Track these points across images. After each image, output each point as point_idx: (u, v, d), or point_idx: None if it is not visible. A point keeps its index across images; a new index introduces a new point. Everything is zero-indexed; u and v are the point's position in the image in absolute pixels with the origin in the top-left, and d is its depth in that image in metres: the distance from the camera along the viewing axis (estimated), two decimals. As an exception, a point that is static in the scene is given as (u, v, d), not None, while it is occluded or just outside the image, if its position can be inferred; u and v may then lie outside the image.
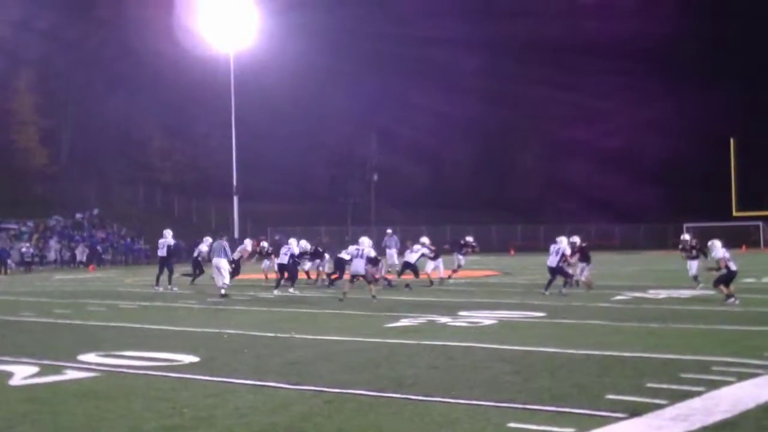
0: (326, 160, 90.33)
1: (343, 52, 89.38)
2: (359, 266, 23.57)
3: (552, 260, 24.23)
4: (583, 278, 25.67)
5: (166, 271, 29.52)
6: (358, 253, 23.67)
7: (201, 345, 14.09)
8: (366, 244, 23.94)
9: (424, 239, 30.32)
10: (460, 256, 31.36)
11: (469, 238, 32.31)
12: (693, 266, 25.54)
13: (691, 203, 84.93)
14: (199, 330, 16.64)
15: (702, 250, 24.74)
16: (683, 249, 26.03)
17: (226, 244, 27.40)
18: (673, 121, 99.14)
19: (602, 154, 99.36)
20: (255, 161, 77.08)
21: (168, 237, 29.95)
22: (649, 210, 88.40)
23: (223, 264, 26.37)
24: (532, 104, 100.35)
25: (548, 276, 24.34)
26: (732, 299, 20.11)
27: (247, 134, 70.38)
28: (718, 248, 20.67)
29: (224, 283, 25.82)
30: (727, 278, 20.41)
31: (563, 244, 24.51)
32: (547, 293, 23.59)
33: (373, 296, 23.01)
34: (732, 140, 78.24)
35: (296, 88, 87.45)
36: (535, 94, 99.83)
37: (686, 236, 27.09)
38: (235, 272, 29.40)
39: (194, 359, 12.45)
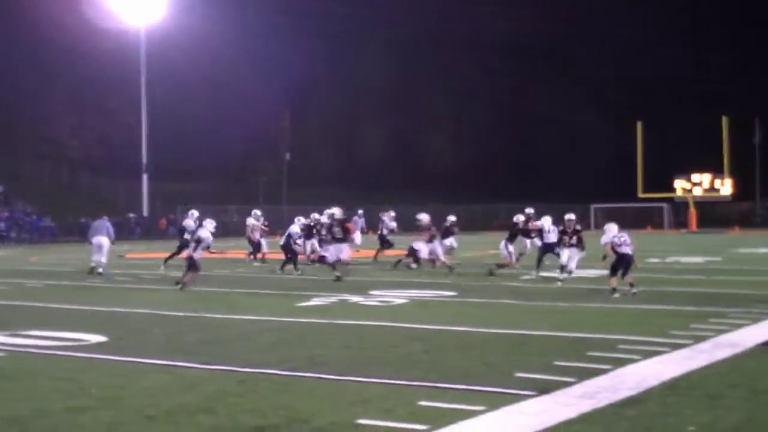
0: (239, 139, 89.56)
1: (258, 30, 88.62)
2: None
3: (551, 237, 23.33)
4: (440, 257, 25.82)
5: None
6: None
7: (109, 324, 13.87)
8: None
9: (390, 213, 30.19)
10: (452, 239, 29.50)
11: (452, 218, 30.16)
12: (568, 255, 22.03)
13: (597, 185, 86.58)
14: (107, 309, 16.37)
15: (581, 239, 22.06)
16: (564, 233, 22.35)
17: (108, 224, 27.23)
18: (579, 103, 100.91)
19: (509, 136, 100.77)
20: (166, 138, 76.07)
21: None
22: (555, 191, 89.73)
23: (105, 242, 26.21)
24: (446, 83, 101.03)
25: (538, 255, 23.97)
26: (615, 294, 17.99)
27: (158, 111, 69.37)
28: (608, 232, 18.88)
29: (101, 262, 25.71)
30: (615, 265, 18.48)
31: (548, 223, 23.86)
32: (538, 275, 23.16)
33: (337, 277, 22.73)
34: (639, 123, 79.79)
35: (209, 65, 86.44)
36: (450, 73, 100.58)
37: (571, 216, 22.75)
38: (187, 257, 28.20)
39: (102, 339, 12.25)
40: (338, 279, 22.34)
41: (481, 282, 22.07)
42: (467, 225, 76.78)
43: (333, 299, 17.72)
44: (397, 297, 18.13)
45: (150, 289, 20.92)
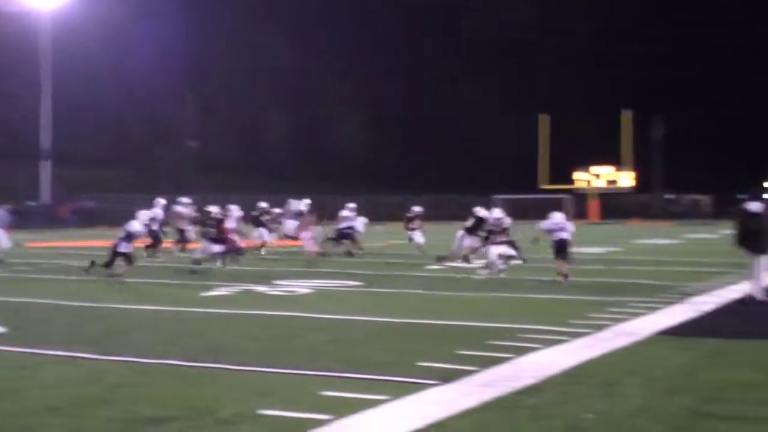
0: (142, 126, 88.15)
1: (161, 16, 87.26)
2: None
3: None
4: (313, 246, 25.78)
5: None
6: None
7: (7, 315, 13.54)
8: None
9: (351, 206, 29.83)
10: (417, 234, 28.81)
11: (417, 209, 29.31)
12: (489, 248, 21.29)
13: (501, 176, 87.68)
14: (4, 299, 15.97)
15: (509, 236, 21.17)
16: (491, 231, 21.40)
17: (2, 211, 26.63)
18: (483, 97, 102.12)
19: (414, 128, 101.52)
20: (69, 124, 74.35)
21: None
22: (459, 182, 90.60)
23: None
24: (352, 73, 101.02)
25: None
26: (565, 279, 18.87)
27: (61, 96, 67.81)
28: (550, 219, 19.52)
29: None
30: (556, 251, 19.22)
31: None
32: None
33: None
34: (542, 116, 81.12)
35: (113, 51, 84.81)
36: (356, 66, 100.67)
37: (498, 213, 21.65)
38: (156, 242, 27.46)
39: (0, 330, 11.96)
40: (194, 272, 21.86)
41: (387, 272, 22.16)
42: (373, 215, 77.26)
43: (237, 289, 17.61)
44: (302, 287, 18.12)
45: (51, 279, 20.47)
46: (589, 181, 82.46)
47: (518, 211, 20.72)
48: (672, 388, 8.38)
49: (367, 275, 21.13)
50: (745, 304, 15.25)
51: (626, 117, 79.18)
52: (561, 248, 19.26)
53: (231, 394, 7.99)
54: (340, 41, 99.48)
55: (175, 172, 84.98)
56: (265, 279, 19.74)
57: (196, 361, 9.56)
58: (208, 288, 17.80)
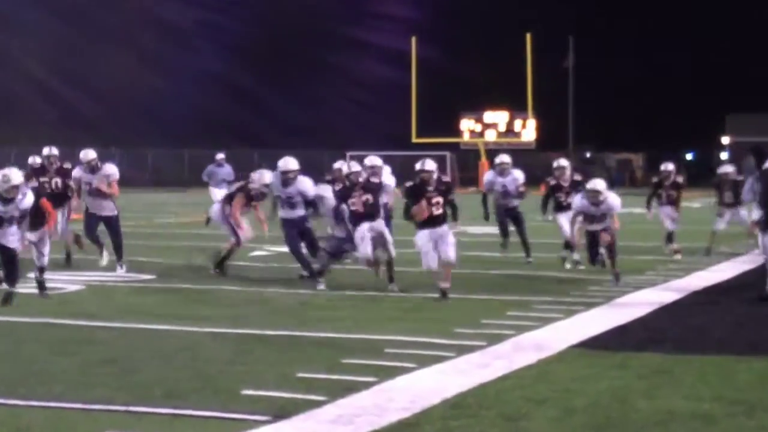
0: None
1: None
2: None
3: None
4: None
5: None
6: None
7: None
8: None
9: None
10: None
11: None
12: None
13: (356, 125, 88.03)
14: None
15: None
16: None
17: None
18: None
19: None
20: None
21: None
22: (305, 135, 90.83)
23: None
24: None
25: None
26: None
27: None
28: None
29: None
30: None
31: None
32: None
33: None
34: (412, 38, 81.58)
35: None
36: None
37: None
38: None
39: None
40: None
41: (188, 260, 21.97)
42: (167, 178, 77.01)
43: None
44: (68, 282, 17.93)
45: None
46: (476, 132, 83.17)
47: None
48: (598, 425, 8.59)
49: (161, 264, 20.99)
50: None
51: (528, 41, 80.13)
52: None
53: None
54: None
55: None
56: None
57: None
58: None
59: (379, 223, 17.54)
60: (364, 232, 17.19)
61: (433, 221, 16.29)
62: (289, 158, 19.17)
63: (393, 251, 17.40)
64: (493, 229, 23.88)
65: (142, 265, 20.82)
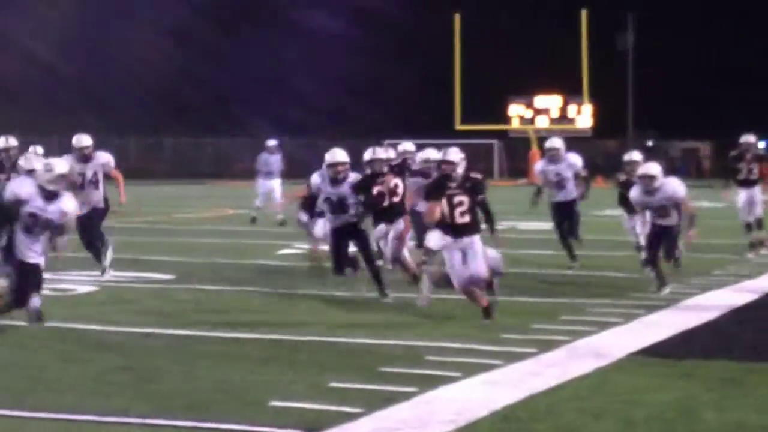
0: None
1: None
2: None
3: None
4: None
5: None
6: None
7: None
8: None
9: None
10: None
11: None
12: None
13: (397, 112, 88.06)
14: None
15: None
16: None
17: None
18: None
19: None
20: None
21: None
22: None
23: None
24: None
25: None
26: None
27: None
28: None
29: None
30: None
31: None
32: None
33: None
34: (456, 16, 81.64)
35: None
36: None
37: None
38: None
39: None
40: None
41: (211, 259, 21.98)
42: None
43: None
44: (81, 282, 17.95)
45: None
46: (526, 119, 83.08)
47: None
48: (662, 439, 8.50)
49: (181, 263, 21.03)
50: None
51: (584, 18, 79.87)
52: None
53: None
54: None
55: None
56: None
57: None
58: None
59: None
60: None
61: (455, 229, 14.35)
62: (337, 149, 17.06)
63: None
64: (545, 225, 23.77)
65: (160, 264, 20.87)
